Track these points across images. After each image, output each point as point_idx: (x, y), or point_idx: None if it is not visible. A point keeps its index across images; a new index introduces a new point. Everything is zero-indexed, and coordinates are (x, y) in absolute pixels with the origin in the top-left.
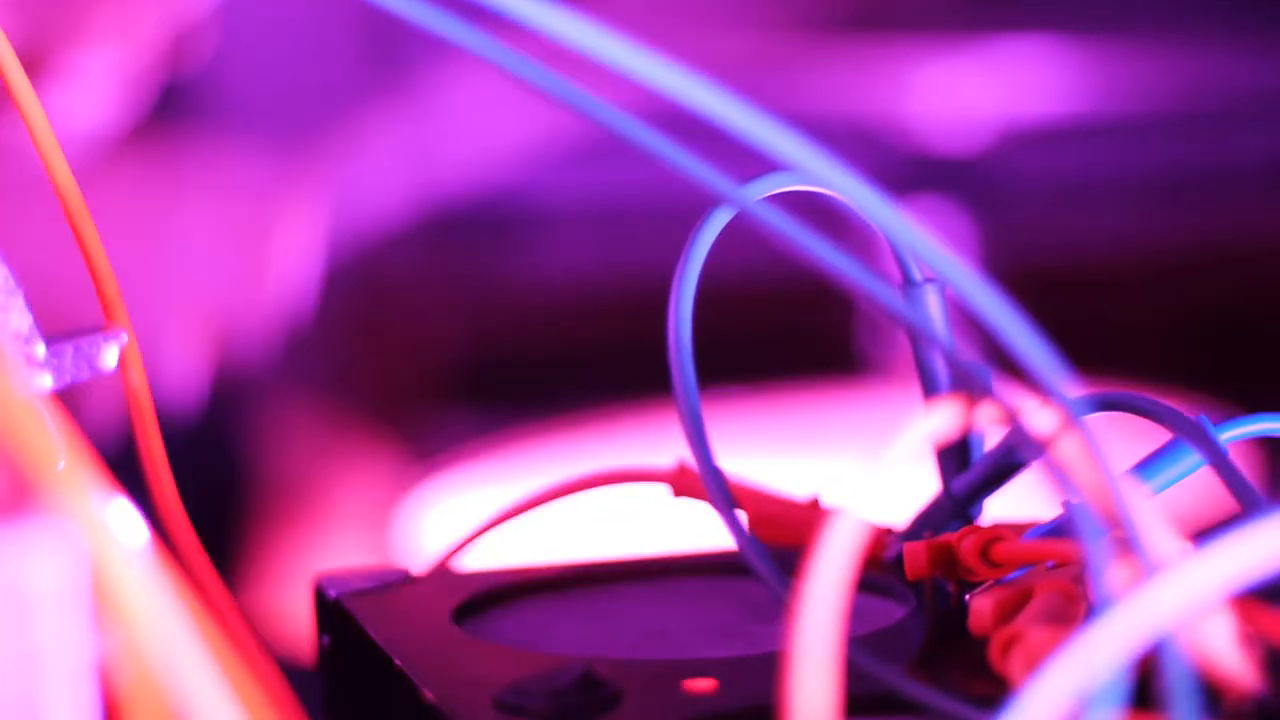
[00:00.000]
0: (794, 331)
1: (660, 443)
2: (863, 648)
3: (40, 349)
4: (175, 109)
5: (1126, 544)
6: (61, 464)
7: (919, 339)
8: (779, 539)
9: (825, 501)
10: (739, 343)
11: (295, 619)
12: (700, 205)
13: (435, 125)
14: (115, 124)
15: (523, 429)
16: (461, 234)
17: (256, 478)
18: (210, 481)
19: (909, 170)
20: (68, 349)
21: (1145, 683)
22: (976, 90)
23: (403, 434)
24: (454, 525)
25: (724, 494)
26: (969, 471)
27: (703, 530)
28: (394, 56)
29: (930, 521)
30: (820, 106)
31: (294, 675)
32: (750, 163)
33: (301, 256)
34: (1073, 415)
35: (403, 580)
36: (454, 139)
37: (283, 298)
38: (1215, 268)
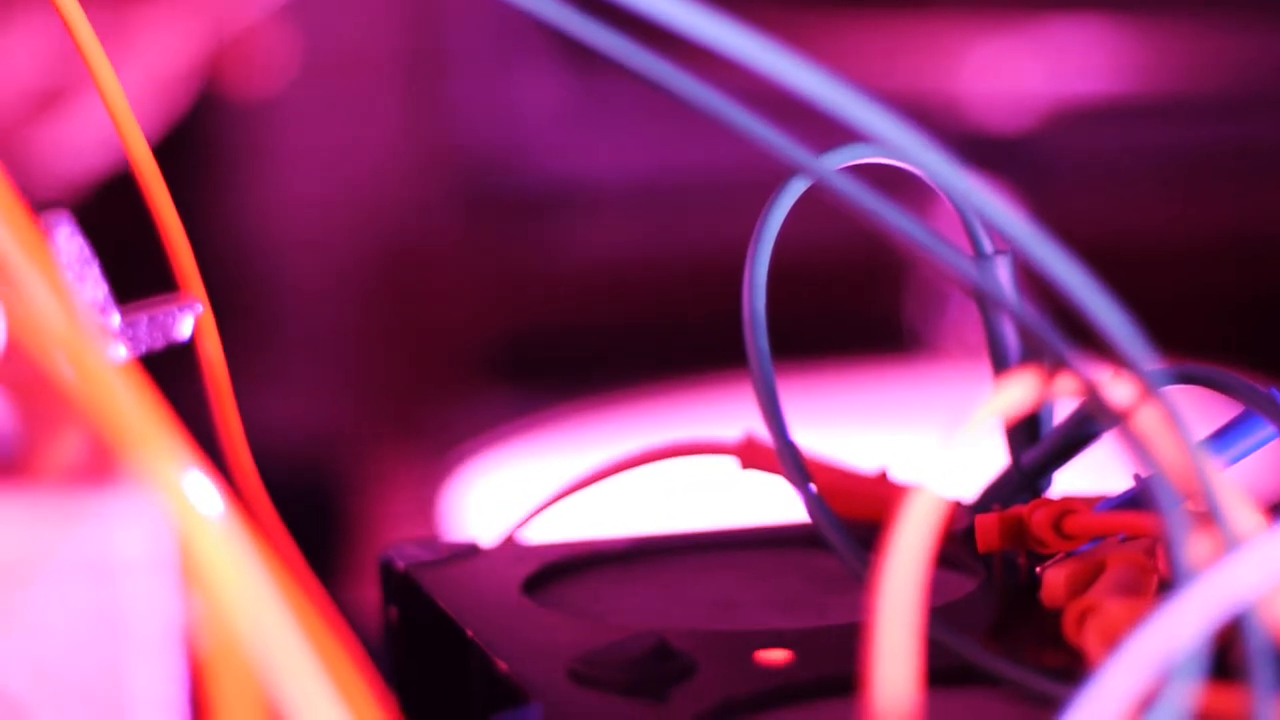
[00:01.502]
0: (840, 309)
1: (705, 418)
2: (939, 620)
3: (115, 319)
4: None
5: (1203, 516)
6: (139, 433)
7: (992, 311)
8: (848, 512)
9: (893, 475)
10: (788, 320)
11: (346, 593)
12: (744, 181)
13: (472, 101)
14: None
15: (564, 407)
16: (501, 211)
17: (300, 458)
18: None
19: (958, 148)
20: (143, 319)
21: (1225, 655)
22: (1026, 69)
23: (444, 413)
24: (500, 503)
25: (798, 467)
26: (1039, 444)
27: (763, 503)
28: (432, 29)
29: (999, 494)
30: (870, 83)
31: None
32: (822, 133)
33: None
34: (1151, 387)
35: (470, 552)
36: (490, 112)
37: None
38: (1263, 246)
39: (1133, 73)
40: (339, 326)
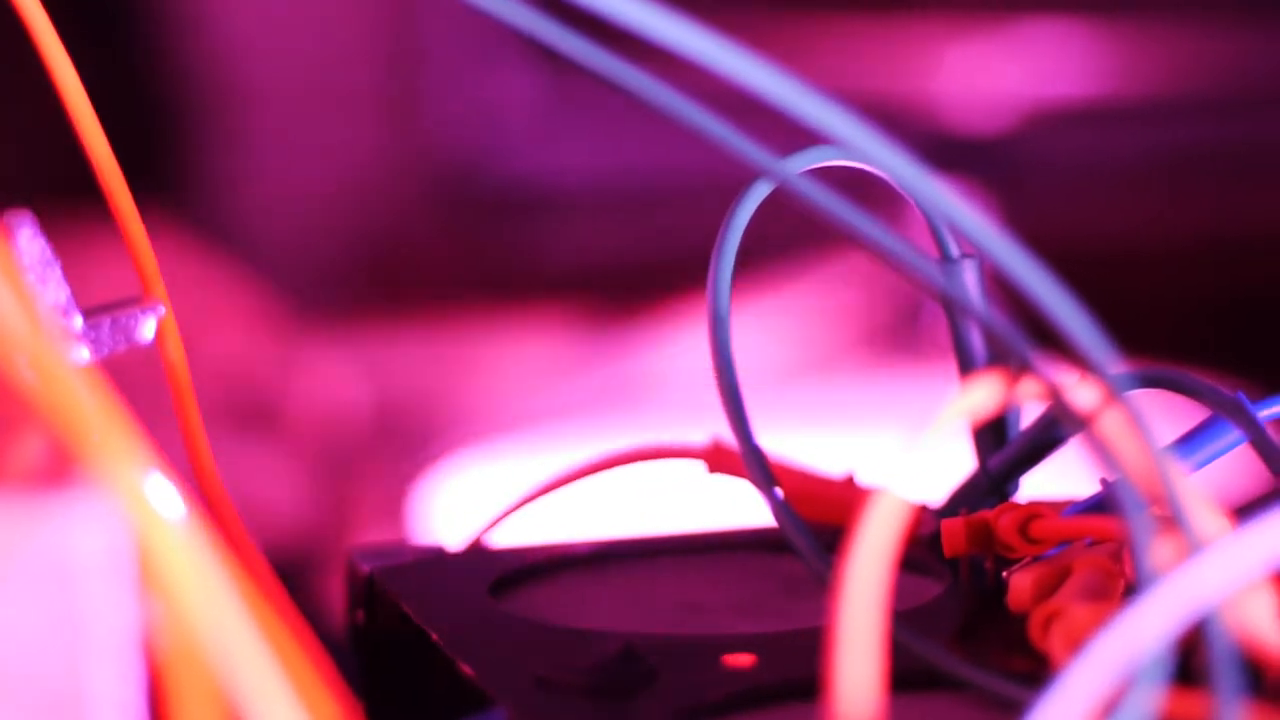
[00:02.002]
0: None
1: (676, 423)
2: (903, 624)
3: (78, 321)
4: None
5: (1168, 520)
6: (99, 436)
7: (957, 314)
8: (814, 516)
9: (860, 479)
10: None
11: (312, 593)
12: (717, 185)
13: (445, 102)
14: None
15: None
16: (478, 212)
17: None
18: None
19: (933, 150)
20: (105, 321)
21: (1188, 660)
22: (1002, 71)
23: (418, 412)
24: (471, 504)
25: (764, 471)
26: (1006, 448)
27: (732, 507)
28: (412, 30)
29: (966, 498)
30: (845, 86)
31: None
32: (786, 137)
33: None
34: (1115, 391)
35: (436, 556)
36: (465, 115)
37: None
38: (1240, 249)
39: (1109, 75)
40: (316, 327)
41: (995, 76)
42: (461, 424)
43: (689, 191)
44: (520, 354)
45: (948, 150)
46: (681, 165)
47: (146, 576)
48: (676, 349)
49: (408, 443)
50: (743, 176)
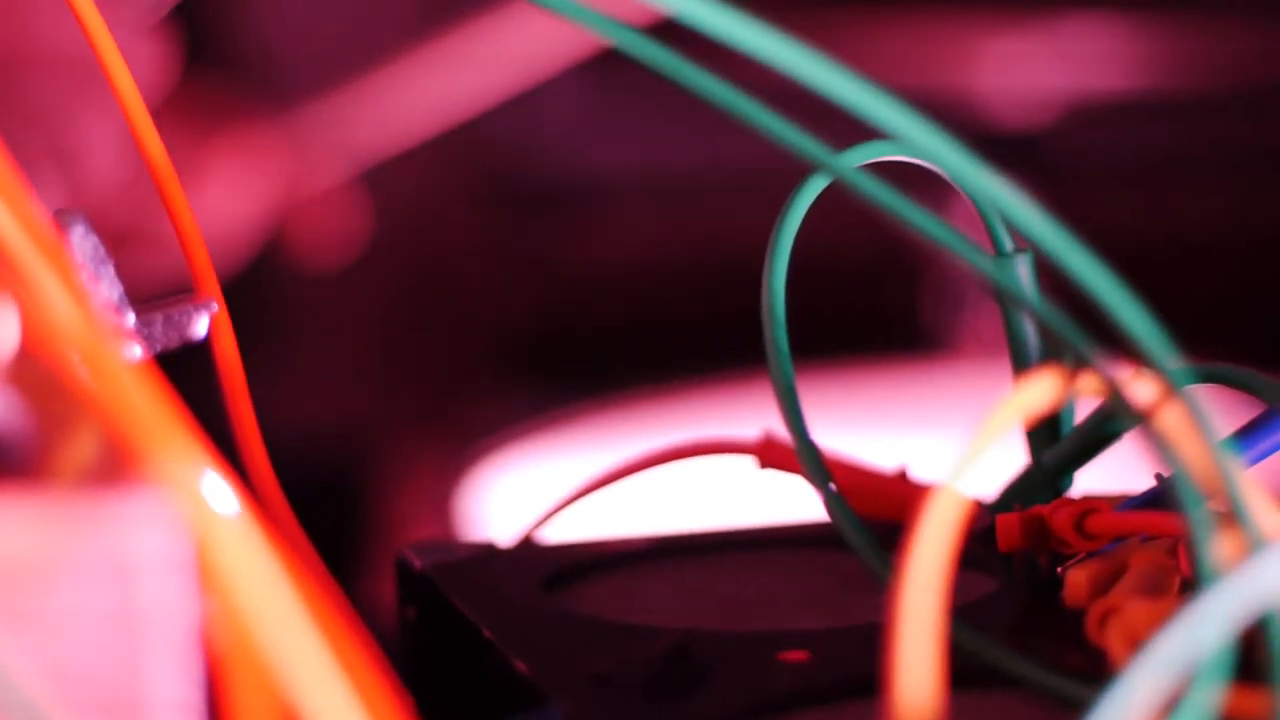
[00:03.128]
0: (855, 307)
1: (725, 417)
2: (960, 621)
3: (131, 318)
4: (208, 61)
5: (1226, 516)
6: (155, 433)
7: (1012, 310)
8: (867, 511)
9: (913, 474)
10: (802, 319)
11: (363, 591)
12: (765, 177)
13: (491, 93)
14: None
15: (585, 405)
16: (524, 206)
17: (317, 455)
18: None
19: (974, 145)
20: (158, 318)
21: (1249, 656)
22: (1042, 66)
23: (463, 411)
24: (518, 501)
25: (818, 467)
26: (1061, 443)
27: (782, 502)
28: (449, 19)
29: (1020, 494)
30: (886, 80)
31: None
32: (841, 131)
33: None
34: (1173, 385)
35: (488, 552)
36: (512, 105)
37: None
38: None
39: (1149, 69)
40: (358, 321)
41: (1035, 72)
42: (509, 420)
43: (739, 187)
44: (566, 349)
45: (987, 145)
46: (730, 160)
47: (204, 575)
48: (730, 346)
49: (456, 440)
50: (790, 171)
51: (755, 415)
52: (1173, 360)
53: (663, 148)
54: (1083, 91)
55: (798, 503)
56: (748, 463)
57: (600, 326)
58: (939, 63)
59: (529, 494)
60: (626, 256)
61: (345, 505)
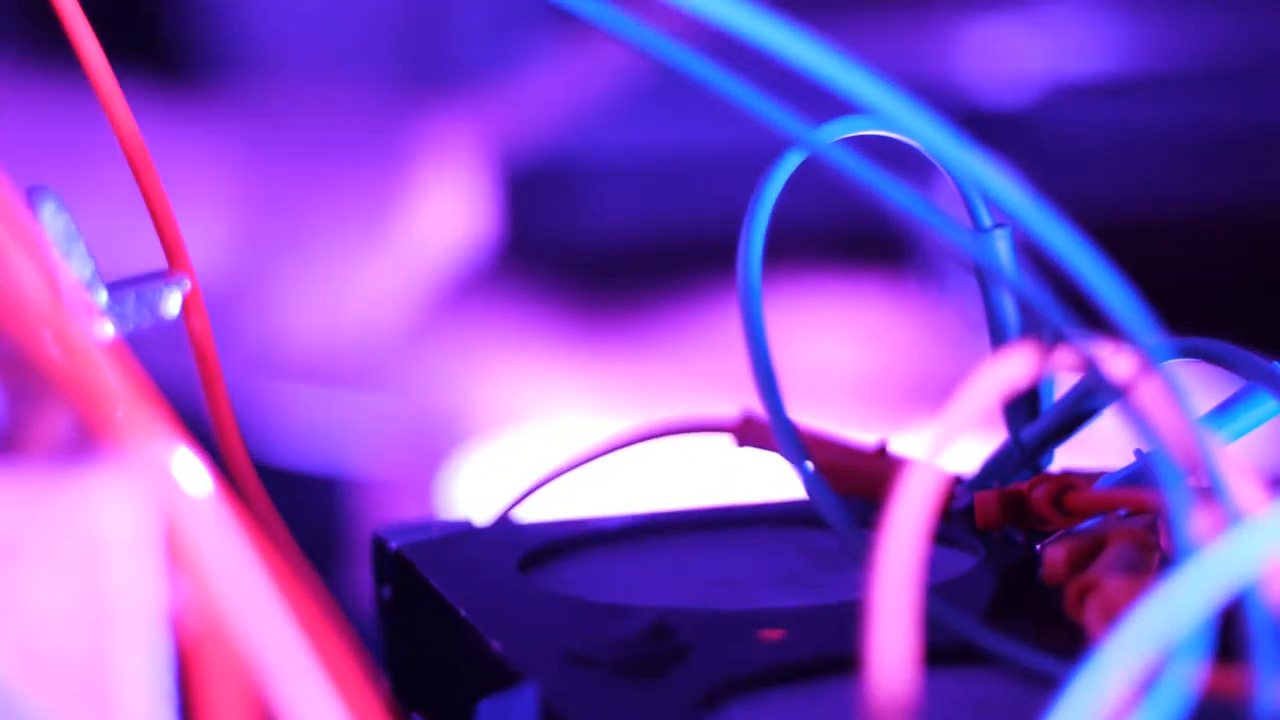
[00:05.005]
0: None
1: (701, 394)
2: (938, 598)
3: (102, 296)
4: (208, 61)
5: (1205, 492)
6: (125, 411)
7: (990, 285)
8: (845, 488)
9: (891, 450)
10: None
11: (337, 572)
12: (751, 160)
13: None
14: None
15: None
16: (511, 190)
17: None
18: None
19: (956, 127)
20: (130, 295)
21: (1226, 633)
22: (1025, 47)
23: (447, 389)
24: (499, 481)
25: (795, 445)
26: (1039, 420)
27: (760, 480)
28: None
29: (998, 471)
30: (868, 61)
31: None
32: (819, 106)
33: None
34: (1152, 361)
35: (464, 531)
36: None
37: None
38: (1267, 222)
39: (1131, 50)
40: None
41: (1018, 52)
42: (488, 401)
43: (715, 167)
44: (547, 329)
45: (970, 125)
46: (706, 140)
47: (174, 554)
48: (707, 322)
49: (435, 420)
50: (768, 148)
51: (733, 394)
52: (1151, 335)
53: (649, 131)
54: (1064, 73)
55: (778, 481)
56: (725, 441)
57: (578, 304)
58: (922, 43)
59: (511, 472)
60: (612, 236)
61: (320, 487)
